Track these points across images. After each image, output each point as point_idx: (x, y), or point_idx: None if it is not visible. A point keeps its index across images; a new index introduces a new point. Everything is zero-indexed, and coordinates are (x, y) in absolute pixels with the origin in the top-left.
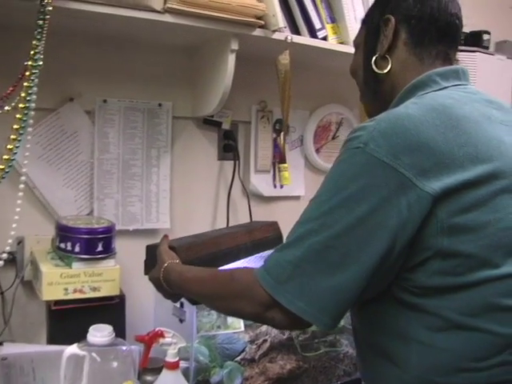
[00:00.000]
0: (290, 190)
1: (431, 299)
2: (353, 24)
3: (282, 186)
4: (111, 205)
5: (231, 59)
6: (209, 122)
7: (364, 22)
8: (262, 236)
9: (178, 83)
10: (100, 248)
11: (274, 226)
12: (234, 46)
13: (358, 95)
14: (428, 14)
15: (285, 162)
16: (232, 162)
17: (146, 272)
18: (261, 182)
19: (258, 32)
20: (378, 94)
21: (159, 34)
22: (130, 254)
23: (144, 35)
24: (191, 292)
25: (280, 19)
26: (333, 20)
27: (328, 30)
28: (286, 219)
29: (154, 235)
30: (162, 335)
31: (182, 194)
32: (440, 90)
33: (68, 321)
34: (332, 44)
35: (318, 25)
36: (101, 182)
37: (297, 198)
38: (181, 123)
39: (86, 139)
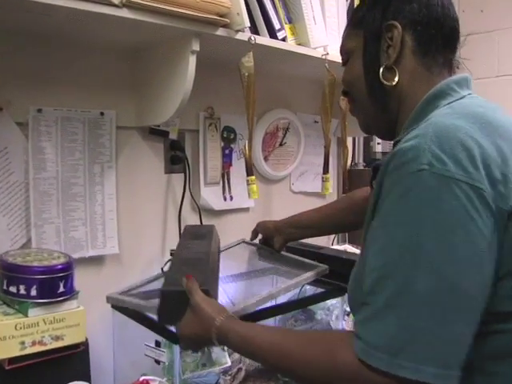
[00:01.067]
0: (239, 202)
1: (498, 325)
2: (311, 25)
3: (231, 198)
4: (51, 231)
5: (192, 61)
6: (155, 132)
7: (356, 25)
8: None
9: (121, 89)
10: (61, 289)
11: None
12: (196, 46)
13: (302, 100)
14: (434, 20)
15: (252, 174)
16: (179, 174)
17: (165, 322)
18: (211, 195)
19: (220, 32)
20: (385, 107)
21: (111, 31)
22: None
23: (90, 34)
24: (264, 361)
25: (245, 18)
26: (290, 20)
27: (287, 31)
28: (236, 232)
29: (101, 263)
30: None
31: (129, 214)
32: (460, 99)
33: (27, 380)
34: (293, 46)
35: (277, 25)
36: (38, 205)
37: (246, 209)
38: (125, 134)
39: (19, 156)
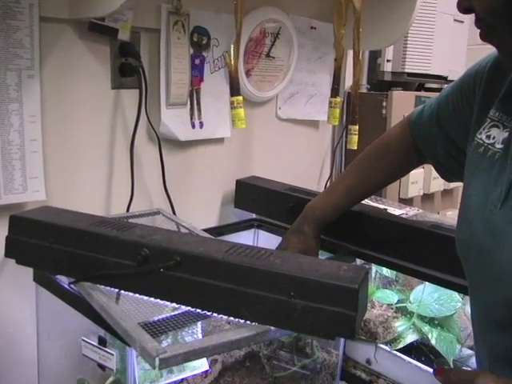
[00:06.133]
0: (212, 130)
1: None
2: None
3: (201, 126)
4: None
5: None
6: (97, 29)
7: None
8: None
9: None
10: None
11: None
12: None
13: None
14: None
15: (239, 94)
16: (132, 91)
17: None
18: (174, 121)
19: None
20: None
21: None
22: None
23: None
24: None
25: None
26: None
27: None
28: (207, 168)
29: None
30: None
31: (60, 145)
32: None
33: None
34: None
35: None
36: None
37: (220, 141)
38: (53, 29)
39: None
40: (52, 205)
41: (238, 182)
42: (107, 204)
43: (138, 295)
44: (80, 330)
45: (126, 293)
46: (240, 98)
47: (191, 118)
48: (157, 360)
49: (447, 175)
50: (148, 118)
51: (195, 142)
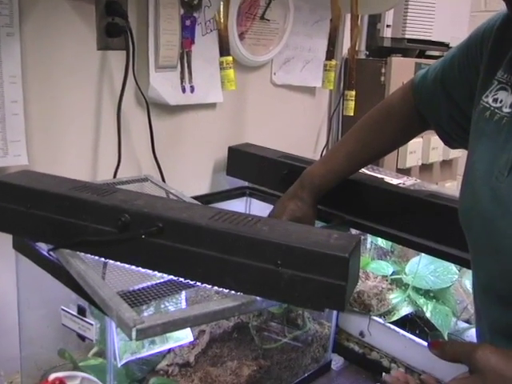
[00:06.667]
0: (203, 95)
1: None
2: None
3: (192, 90)
4: None
5: None
6: None
7: None
8: None
9: None
10: None
11: None
12: None
13: None
14: None
15: (228, 54)
16: (119, 52)
17: None
18: (164, 84)
19: None
20: None
21: None
22: None
23: None
24: None
25: None
26: None
27: None
28: (198, 134)
29: None
30: None
31: (42, 108)
32: None
33: None
34: None
35: None
36: None
37: (212, 106)
38: None
39: None
40: (33, 169)
41: (230, 148)
42: (93, 170)
43: (120, 263)
44: (61, 298)
45: (109, 261)
46: (230, 58)
47: (181, 82)
48: (134, 331)
49: (450, 141)
50: (136, 81)
51: (186, 106)
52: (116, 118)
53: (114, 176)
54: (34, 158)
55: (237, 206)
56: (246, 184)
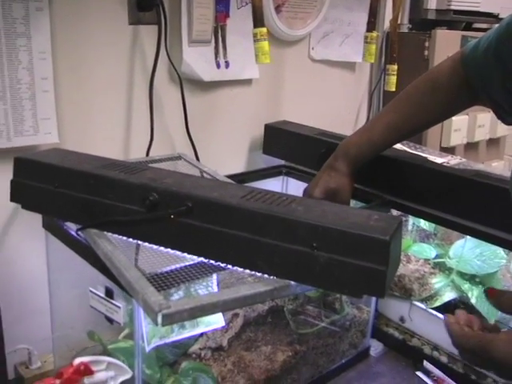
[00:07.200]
0: (238, 70)
1: None
2: None
3: (227, 65)
4: None
5: None
6: None
7: None
8: None
9: None
10: None
11: None
12: None
13: None
14: None
15: (263, 26)
16: (151, 27)
17: None
18: (197, 60)
19: None
20: None
21: None
22: None
23: None
24: None
25: None
26: None
27: None
28: (234, 112)
29: None
30: (86, 372)
31: (73, 84)
32: None
33: None
34: None
35: None
36: None
37: (248, 82)
38: None
39: None
40: (64, 147)
41: (266, 126)
42: (125, 148)
43: (149, 244)
44: (90, 279)
45: (138, 241)
46: (264, 29)
47: (216, 57)
48: (159, 316)
49: (505, 116)
50: (168, 56)
51: (220, 83)
52: (148, 95)
53: (147, 154)
54: (65, 136)
55: (273, 185)
56: (283, 163)
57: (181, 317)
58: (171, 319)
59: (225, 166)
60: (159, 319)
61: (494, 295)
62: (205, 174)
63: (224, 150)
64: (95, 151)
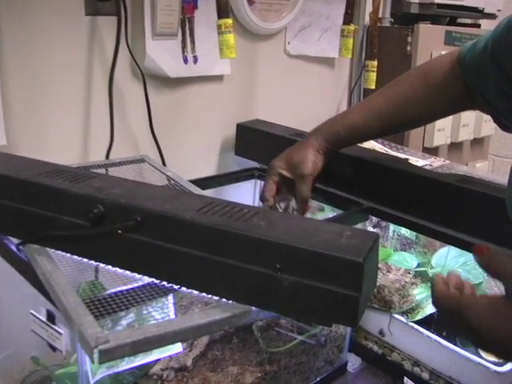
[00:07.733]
0: (207, 66)
1: None
2: None
3: (195, 60)
4: None
5: None
6: None
7: None
8: None
9: None
10: None
11: None
12: None
13: None
14: None
15: (227, 16)
16: (110, 18)
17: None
18: (162, 54)
19: None
20: None
21: None
22: None
23: None
24: None
25: None
26: None
27: None
28: (203, 110)
29: None
30: None
31: (23, 82)
32: None
33: None
34: None
35: None
36: None
37: (218, 78)
38: None
39: None
40: (18, 152)
41: (239, 126)
42: (84, 150)
43: (95, 262)
44: (33, 299)
45: (82, 259)
46: (229, 20)
47: (183, 52)
48: (96, 352)
49: (499, 118)
50: (130, 50)
51: (189, 79)
52: (108, 92)
53: (107, 157)
54: (15, 138)
55: (245, 188)
56: (256, 164)
57: (122, 352)
58: (110, 355)
59: (194, 169)
60: (95, 356)
61: (482, 253)
62: (169, 179)
63: (193, 151)
64: (50, 154)
